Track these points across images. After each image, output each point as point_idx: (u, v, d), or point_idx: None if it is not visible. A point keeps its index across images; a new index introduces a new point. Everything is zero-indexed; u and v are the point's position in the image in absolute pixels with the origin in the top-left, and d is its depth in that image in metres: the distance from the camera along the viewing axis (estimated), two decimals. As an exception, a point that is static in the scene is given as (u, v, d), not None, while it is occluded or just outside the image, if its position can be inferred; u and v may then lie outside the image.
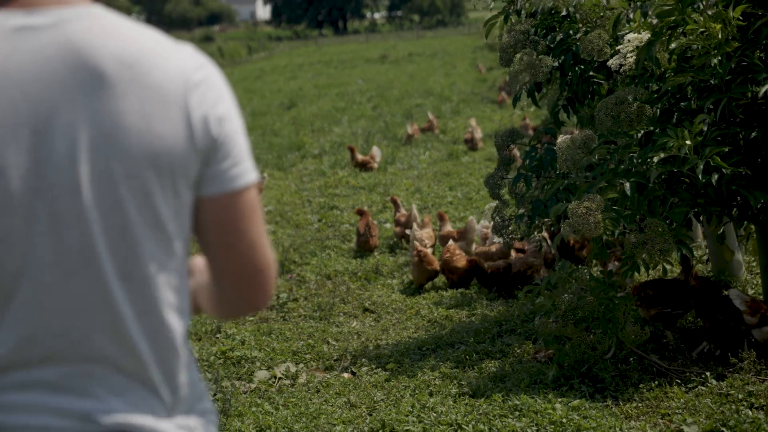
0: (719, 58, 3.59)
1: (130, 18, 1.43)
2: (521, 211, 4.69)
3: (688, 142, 3.47)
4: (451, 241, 6.45)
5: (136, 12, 77.92)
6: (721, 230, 4.64)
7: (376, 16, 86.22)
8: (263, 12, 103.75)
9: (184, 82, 1.39)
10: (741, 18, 3.65)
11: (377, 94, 20.97)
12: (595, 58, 4.24)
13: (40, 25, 1.34)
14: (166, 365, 1.41)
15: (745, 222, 4.32)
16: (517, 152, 7.84)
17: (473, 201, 8.92)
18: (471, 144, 12.23)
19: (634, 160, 3.89)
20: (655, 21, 3.90)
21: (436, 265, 6.19)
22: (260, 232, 1.46)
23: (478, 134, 12.35)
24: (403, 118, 15.77)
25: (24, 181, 1.31)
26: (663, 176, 3.81)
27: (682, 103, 3.96)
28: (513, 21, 4.80)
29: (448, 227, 7.03)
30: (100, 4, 1.41)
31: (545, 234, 5.00)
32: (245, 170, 1.44)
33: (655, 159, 3.54)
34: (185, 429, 1.44)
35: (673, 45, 3.74)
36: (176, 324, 1.43)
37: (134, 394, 1.39)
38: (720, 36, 3.53)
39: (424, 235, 6.65)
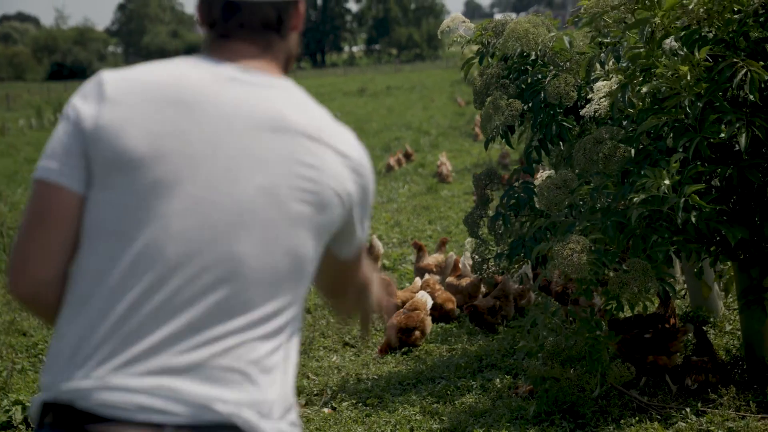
0: (690, 98, 3.67)
1: (304, 92, 1.70)
2: (500, 249, 4.73)
3: (666, 181, 3.53)
4: (427, 275, 6.45)
5: (113, 43, 77.96)
6: (699, 266, 4.69)
7: (355, 49, 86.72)
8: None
9: (353, 158, 1.66)
10: (708, 59, 3.73)
11: (356, 127, 21.02)
12: (562, 102, 4.31)
13: (248, 81, 1.62)
14: (271, 369, 1.59)
15: (721, 257, 4.38)
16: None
17: (453, 235, 8.95)
18: (440, 177, 12.46)
19: (613, 200, 3.94)
20: (625, 65, 3.97)
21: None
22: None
23: (448, 168, 12.65)
24: (382, 151, 15.85)
25: (204, 191, 1.55)
26: (643, 215, 3.86)
27: (657, 143, 4.02)
28: (486, 63, 4.87)
29: (428, 260, 6.97)
30: (292, 81, 1.70)
31: (528, 272, 5.04)
32: (357, 243, 1.78)
33: (635, 200, 3.59)
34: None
35: (644, 89, 3.82)
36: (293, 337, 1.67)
37: (247, 391, 1.55)
38: (689, 77, 3.60)
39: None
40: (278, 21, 1.67)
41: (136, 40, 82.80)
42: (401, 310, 5.60)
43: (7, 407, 4.78)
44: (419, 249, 6.97)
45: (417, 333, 5.52)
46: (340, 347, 5.82)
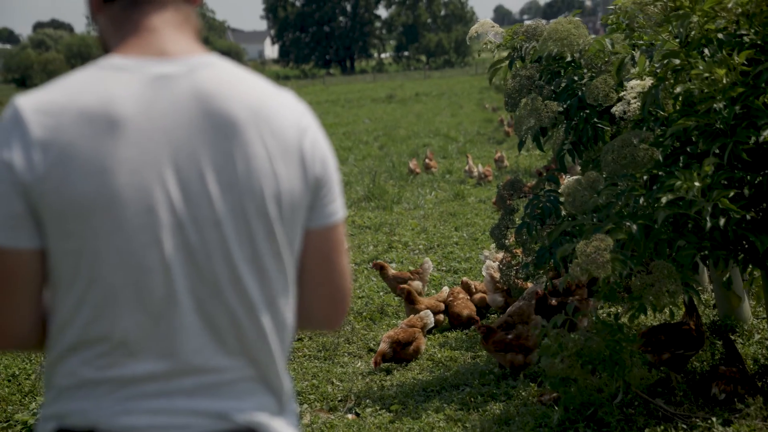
0: (724, 102, 3.60)
1: (237, 65, 1.60)
2: (527, 258, 4.71)
3: (697, 184, 3.47)
4: (445, 289, 6.45)
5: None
6: (728, 275, 4.62)
7: (384, 55, 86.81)
8: (271, 51, 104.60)
9: (297, 127, 1.57)
10: (745, 63, 3.67)
11: (384, 133, 21.07)
12: (601, 103, 4.26)
13: (175, 74, 1.51)
14: (281, 372, 1.61)
15: (750, 266, 4.31)
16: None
17: (479, 241, 8.91)
18: (469, 173, 12.87)
19: (641, 202, 3.89)
20: (657, 66, 3.92)
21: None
22: (347, 262, 1.69)
23: (480, 169, 12.91)
24: (410, 157, 15.83)
25: (170, 216, 1.47)
26: (669, 219, 3.81)
27: (687, 147, 3.97)
28: (518, 66, 4.84)
29: (393, 271, 6.87)
30: (215, 53, 1.59)
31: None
32: (340, 206, 1.66)
33: (663, 200, 3.53)
34: (287, 425, 1.62)
35: (678, 89, 3.76)
36: (290, 338, 1.64)
37: (258, 396, 1.57)
38: (724, 81, 3.54)
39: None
40: None
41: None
42: (402, 324, 5.61)
43: (35, 410, 4.80)
44: (381, 268, 6.84)
45: (411, 348, 5.46)
46: (364, 353, 5.81)
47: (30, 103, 1.45)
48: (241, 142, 1.50)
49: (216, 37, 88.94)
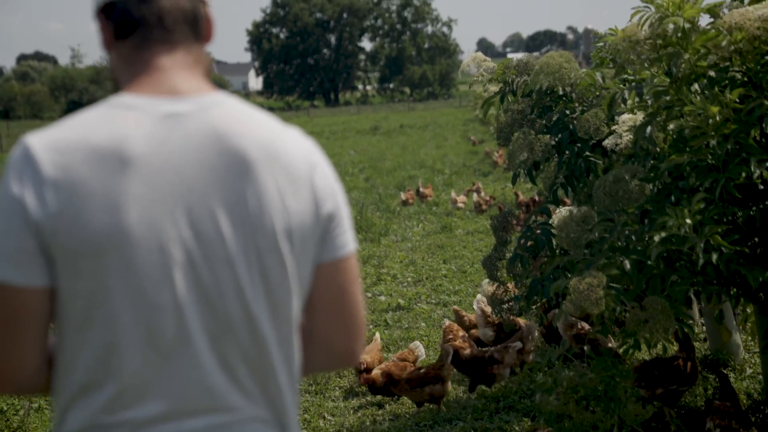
0: (717, 139, 3.64)
1: (246, 104, 1.60)
2: (519, 291, 4.71)
3: (688, 221, 3.49)
4: (446, 321, 6.40)
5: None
6: (719, 309, 4.65)
7: (368, 87, 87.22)
8: (255, 83, 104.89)
9: (307, 162, 1.58)
10: (737, 100, 3.71)
11: (369, 165, 21.12)
12: (592, 137, 4.30)
13: (186, 113, 1.51)
14: (292, 410, 1.60)
15: (743, 300, 4.33)
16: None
17: (468, 274, 8.93)
18: (454, 204, 13.23)
19: (633, 238, 3.91)
20: (649, 101, 3.96)
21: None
22: (361, 294, 1.67)
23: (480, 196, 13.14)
24: (396, 189, 15.87)
25: (183, 254, 1.46)
26: (662, 254, 3.83)
27: (679, 182, 4.00)
28: (510, 101, 4.87)
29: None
30: (225, 92, 1.60)
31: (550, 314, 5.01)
32: (350, 238, 1.65)
33: (656, 238, 3.56)
34: None
35: (671, 126, 3.80)
36: (298, 375, 1.63)
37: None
38: (717, 118, 3.59)
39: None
40: (194, 17, 1.60)
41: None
42: (394, 357, 5.59)
43: (22, 447, 4.75)
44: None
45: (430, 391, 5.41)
46: (356, 387, 5.78)
47: (41, 141, 1.45)
48: (253, 179, 1.50)
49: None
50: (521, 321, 5.98)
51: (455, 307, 6.64)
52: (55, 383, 1.52)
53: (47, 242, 1.42)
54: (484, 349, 5.56)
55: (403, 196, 14.21)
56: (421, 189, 14.52)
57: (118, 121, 1.47)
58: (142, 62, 1.57)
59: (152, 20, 1.57)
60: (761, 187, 3.86)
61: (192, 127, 1.50)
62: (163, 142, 1.47)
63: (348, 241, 1.65)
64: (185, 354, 1.48)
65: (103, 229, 1.42)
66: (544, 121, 4.68)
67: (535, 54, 5.00)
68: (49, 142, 1.44)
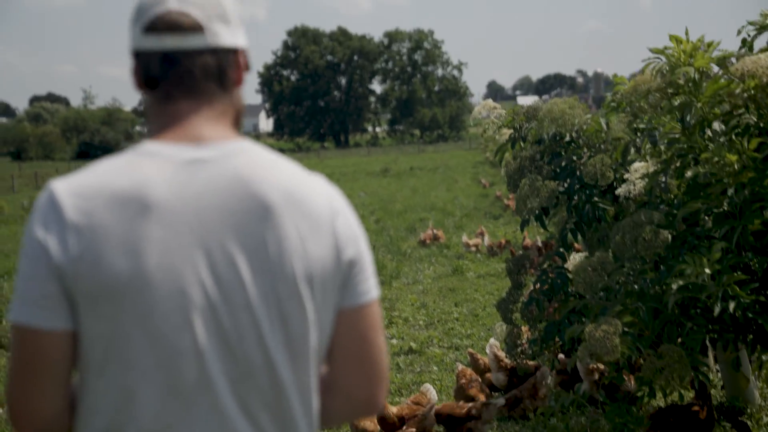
0: (734, 187, 3.65)
1: (271, 151, 1.61)
2: (534, 335, 4.69)
3: (707, 270, 3.49)
4: (459, 365, 6.35)
5: (140, 123, 79.42)
6: (736, 356, 4.62)
7: (378, 129, 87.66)
8: (266, 125, 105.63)
9: (329, 209, 1.58)
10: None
11: (380, 207, 21.16)
12: (598, 182, 4.32)
13: (209, 159, 1.52)
14: None
15: (759, 348, 4.30)
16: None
17: (480, 318, 8.89)
18: (467, 248, 13.17)
19: (649, 284, 3.90)
20: (663, 148, 3.98)
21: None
22: (384, 340, 1.65)
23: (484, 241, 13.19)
24: (407, 232, 15.87)
25: (203, 298, 1.46)
26: (678, 301, 3.82)
27: (695, 229, 4.00)
28: (519, 147, 4.90)
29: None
30: (249, 140, 1.60)
31: (561, 356, 4.98)
32: (373, 284, 1.65)
33: (674, 285, 3.55)
34: None
35: (688, 174, 3.81)
36: (317, 423, 1.62)
37: None
38: (736, 166, 3.60)
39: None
40: (219, 71, 1.61)
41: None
42: (407, 401, 5.54)
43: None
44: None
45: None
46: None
47: (65, 186, 1.47)
48: (274, 224, 1.50)
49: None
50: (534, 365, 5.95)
51: (470, 350, 6.59)
52: (76, 427, 1.52)
53: (69, 286, 1.43)
54: (465, 404, 5.48)
55: (422, 236, 14.29)
56: (432, 231, 14.57)
57: (141, 167, 1.49)
58: (167, 114, 1.59)
59: (174, 79, 1.58)
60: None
61: (214, 173, 1.51)
62: (185, 187, 1.48)
63: (370, 287, 1.64)
64: (206, 399, 1.47)
65: (122, 272, 1.42)
66: (553, 167, 4.71)
67: (545, 97, 5.03)
68: (73, 188, 1.47)
